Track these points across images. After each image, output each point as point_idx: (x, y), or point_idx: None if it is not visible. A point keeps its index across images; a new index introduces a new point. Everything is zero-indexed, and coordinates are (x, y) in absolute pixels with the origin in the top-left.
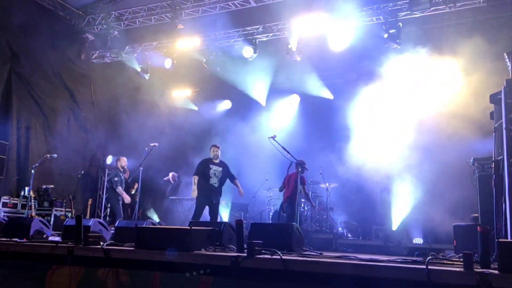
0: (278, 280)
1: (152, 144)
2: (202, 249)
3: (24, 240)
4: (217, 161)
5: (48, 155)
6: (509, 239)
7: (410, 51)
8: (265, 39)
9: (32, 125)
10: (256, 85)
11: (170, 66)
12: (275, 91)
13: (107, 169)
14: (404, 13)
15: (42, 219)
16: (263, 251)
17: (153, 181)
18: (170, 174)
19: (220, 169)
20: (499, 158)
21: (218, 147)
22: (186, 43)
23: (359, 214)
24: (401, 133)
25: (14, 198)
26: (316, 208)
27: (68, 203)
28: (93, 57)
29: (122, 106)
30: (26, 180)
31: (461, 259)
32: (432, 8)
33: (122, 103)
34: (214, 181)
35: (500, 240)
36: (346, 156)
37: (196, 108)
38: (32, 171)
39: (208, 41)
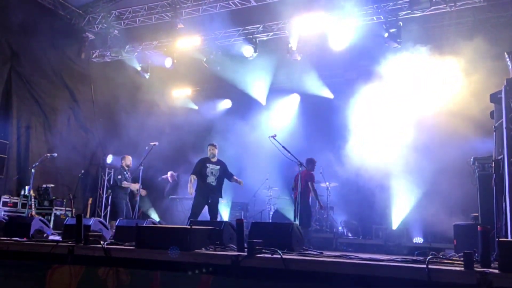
0: (278, 279)
1: (152, 143)
2: (203, 248)
3: (25, 239)
4: (214, 159)
5: (48, 154)
6: (509, 239)
7: (410, 51)
8: (265, 38)
9: (32, 124)
10: (256, 84)
11: (170, 65)
12: (275, 91)
13: (107, 168)
14: (404, 12)
15: (42, 218)
16: (263, 250)
17: (153, 181)
18: (169, 173)
19: (218, 167)
20: (499, 157)
21: (214, 146)
22: (186, 42)
23: (359, 213)
24: (401, 132)
25: (14, 197)
26: (322, 207)
27: (68, 202)
28: (93, 56)
29: (122, 105)
30: (26, 179)
31: (462, 259)
32: (432, 8)
33: (122, 102)
34: (211, 179)
35: (500, 239)
36: (346, 156)
37: (196, 107)
38: (32, 170)
39: (208, 40)
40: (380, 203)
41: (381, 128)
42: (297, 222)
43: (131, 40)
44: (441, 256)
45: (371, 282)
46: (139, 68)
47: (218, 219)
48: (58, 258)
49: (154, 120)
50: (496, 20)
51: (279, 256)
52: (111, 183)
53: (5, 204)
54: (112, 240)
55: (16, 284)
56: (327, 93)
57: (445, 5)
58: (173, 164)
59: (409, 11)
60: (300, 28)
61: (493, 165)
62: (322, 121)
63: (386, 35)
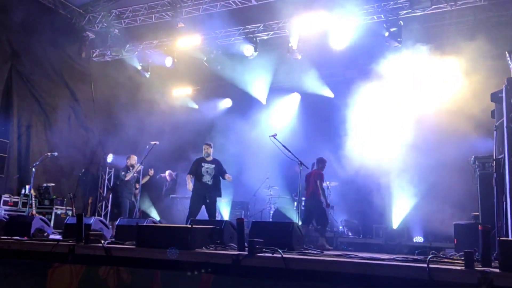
0: (279, 278)
1: (152, 143)
2: (203, 248)
3: (25, 238)
4: (209, 158)
5: (49, 153)
6: (510, 238)
7: (411, 50)
8: (265, 37)
9: (32, 123)
10: (257, 83)
11: (170, 64)
12: (275, 90)
13: (107, 167)
14: (405, 12)
15: (42, 217)
16: (264, 249)
17: (153, 180)
18: (167, 172)
19: (213, 166)
20: (500, 156)
21: (209, 145)
22: (187, 42)
23: (360, 212)
24: (401, 131)
25: (15, 196)
26: (328, 205)
27: (68, 202)
28: (93, 55)
29: (122, 104)
30: (27, 178)
31: (462, 258)
32: (433, 7)
33: (122, 102)
34: (207, 178)
35: (501, 238)
36: (346, 155)
37: (196, 107)
38: (33, 169)
39: (208, 40)
40: (381, 202)
41: (381, 127)
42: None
43: (132, 39)
44: (442, 255)
45: (372, 281)
46: (139, 67)
47: (219, 218)
48: (58, 257)
49: (155, 119)
50: (497, 19)
51: (279, 255)
52: (118, 182)
53: (5, 203)
54: (113, 239)
55: (17, 283)
56: (327, 92)
57: (445, 4)
58: (174, 163)
59: (410, 10)
60: (301, 27)
61: (494, 164)
62: (323, 120)
63: (386, 34)
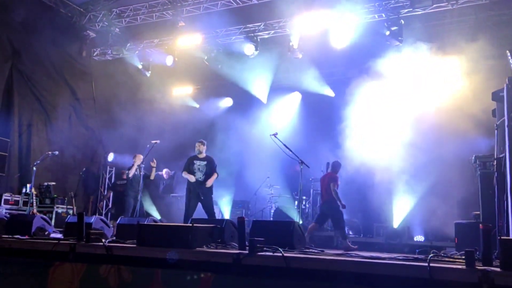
0: (280, 277)
1: (153, 142)
2: (204, 246)
3: (26, 237)
4: (201, 156)
5: (50, 152)
6: (511, 237)
7: (412, 49)
8: (266, 36)
9: (33, 122)
10: (257, 82)
11: (171, 63)
12: (276, 89)
13: (108, 166)
14: (406, 10)
15: (43, 216)
16: (264, 248)
17: (154, 179)
18: (164, 170)
19: (204, 163)
20: (501, 155)
21: (200, 143)
22: (187, 40)
23: (360, 211)
24: (402, 130)
25: (16, 195)
26: (344, 206)
27: (69, 200)
28: (94, 54)
29: (123, 103)
30: (28, 177)
31: (463, 257)
32: (434, 5)
33: (123, 101)
34: (198, 176)
35: (502, 237)
36: (347, 154)
37: (197, 106)
38: (34, 168)
39: (209, 38)
40: (381, 201)
41: (382, 126)
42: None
43: (132, 38)
44: (443, 255)
45: (373, 280)
46: (140, 66)
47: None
48: (59, 256)
49: (155, 118)
50: (498, 18)
51: (280, 254)
52: (118, 182)
53: (6, 202)
54: (114, 238)
55: (18, 282)
56: (328, 91)
57: (446, 3)
58: (174, 162)
59: (411, 9)
60: (301, 26)
61: (495, 163)
62: (323, 119)
63: (387, 33)
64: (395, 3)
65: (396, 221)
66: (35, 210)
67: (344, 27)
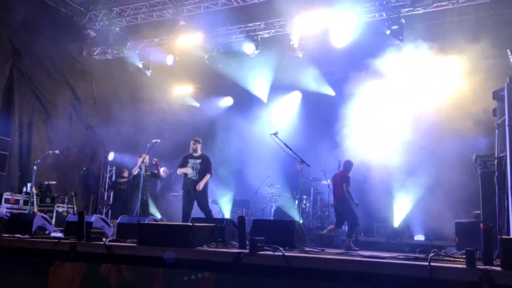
0: (280, 276)
1: (153, 141)
2: (204, 246)
3: (27, 236)
4: (196, 154)
5: (50, 151)
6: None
7: (412, 48)
8: (267, 35)
9: (34, 121)
10: (258, 81)
11: (171, 62)
12: (276, 88)
13: (109, 166)
14: (406, 10)
15: (44, 215)
16: (265, 247)
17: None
18: (162, 169)
19: (198, 161)
20: (501, 154)
21: (194, 141)
22: (188, 40)
23: (361, 211)
24: (402, 130)
25: (16, 194)
26: (357, 205)
27: (70, 199)
28: (94, 53)
29: (123, 102)
30: (28, 176)
31: (464, 256)
32: (434, 5)
33: (123, 100)
34: (192, 174)
35: (503, 237)
36: (347, 153)
37: (197, 105)
38: (34, 167)
39: (209, 38)
40: (382, 200)
41: (382, 125)
42: (300, 220)
43: (133, 37)
44: (443, 254)
45: (373, 279)
46: (140, 66)
47: (220, 216)
48: (60, 255)
49: (156, 118)
50: (499, 17)
51: (280, 254)
52: (118, 181)
53: (7, 201)
54: (114, 237)
55: (19, 281)
56: (328, 91)
57: (447, 2)
58: (174, 161)
59: (411, 8)
60: (302, 25)
61: (495, 162)
62: (324, 118)
63: (388, 32)
64: (396, 2)
65: (397, 221)
66: (35, 209)
67: (344, 26)
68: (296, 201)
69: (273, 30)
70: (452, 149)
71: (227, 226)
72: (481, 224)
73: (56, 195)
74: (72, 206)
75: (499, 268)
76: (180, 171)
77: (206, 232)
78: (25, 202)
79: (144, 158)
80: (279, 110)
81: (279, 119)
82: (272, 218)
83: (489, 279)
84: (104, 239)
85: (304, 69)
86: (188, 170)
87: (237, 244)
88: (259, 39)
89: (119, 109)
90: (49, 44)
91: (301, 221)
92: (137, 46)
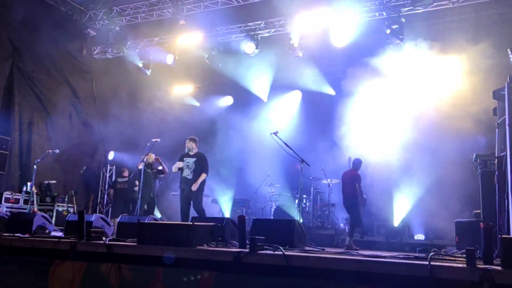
0: (280, 275)
1: (153, 140)
2: (205, 245)
3: (27, 235)
4: (191, 153)
5: (50, 151)
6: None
7: (412, 47)
8: (267, 34)
9: (34, 120)
10: (258, 81)
11: (171, 61)
12: (276, 87)
13: (109, 165)
14: (407, 9)
15: (44, 214)
16: (265, 246)
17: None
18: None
19: (193, 160)
20: (501, 154)
21: (190, 140)
22: (188, 39)
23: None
24: (403, 129)
25: (16, 194)
26: (365, 205)
27: (70, 199)
28: (94, 52)
29: (123, 101)
30: (28, 176)
31: (464, 255)
32: (435, 4)
33: (123, 99)
34: (187, 173)
35: (503, 236)
36: (348, 152)
37: (197, 104)
38: (34, 166)
39: (210, 37)
40: (382, 200)
41: (382, 125)
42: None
43: (133, 36)
44: (443, 253)
45: (373, 278)
46: (140, 65)
47: (220, 215)
48: (60, 254)
49: (156, 117)
50: (499, 16)
51: (281, 253)
52: (126, 179)
53: (7, 200)
54: (114, 237)
55: (19, 280)
56: (328, 90)
57: (447, 1)
58: (174, 160)
59: (412, 7)
60: (302, 25)
61: (496, 162)
62: (324, 117)
63: (388, 31)
64: (396, 1)
65: (397, 220)
66: (35, 209)
67: (344, 26)
68: (296, 201)
69: (273, 29)
70: (452, 148)
71: (227, 225)
72: (481, 223)
73: (56, 194)
74: (72, 205)
75: (499, 268)
76: (173, 167)
77: (206, 232)
78: (25, 201)
79: (147, 156)
80: (279, 109)
81: (279, 119)
82: (272, 217)
83: (489, 278)
84: (104, 238)
85: (304, 69)
86: (179, 164)
87: (237, 244)
88: (259, 38)
89: (119, 108)
90: (49, 43)
91: (301, 221)
92: (137, 45)
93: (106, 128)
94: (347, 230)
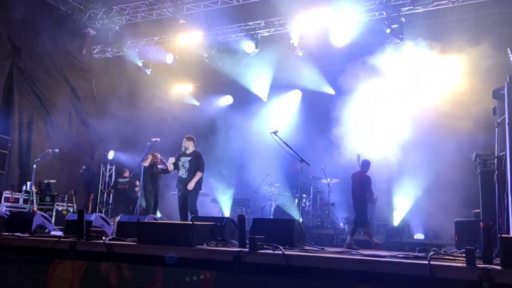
0: (280, 275)
1: (153, 140)
2: (204, 244)
3: (26, 235)
4: (188, 152)
5: (50, 150)
6: (511, 235)
7: (412, 47)
8: (267, 34)
9: (33, 120)
10: (258, 80)
11: (171, 61)
12: (276, 87)
13: (108, 164)
14: (407, 8)
15: (44, 213)
16: (265, 246)
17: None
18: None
19: (188, 159)
20: (501, 153)
21: (186, 139)
22: (188, 38)
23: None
24: (403, 128)
25: (16, 193)
26: (374, 204)
27: (70, 198)
28: (94, 52)
29: (123, 101)
30: (28, 175)
31: (463, 255)
32: (434, 3)
33: (123, 98)
34: (182, 172)
35: (502, 235)
36: (347, 152)
37: (197, 103)
38: (34, 166)
39: (209, 36)
40: (381, 199)
41: (382, 124)
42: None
43: (132, 35)
44: (443, 253)
45: (373, 278)
46: (140, 64)
47: (220, 215)
48: (60, 253)
49: (155, 116)
50: (499, 16)
51: (280, 252)
52: (128, 179)
53: (6, 199)
54: (114, 236)
55: (19, 280)
56: (328, 89)
57: (447, 1)
58: None
59: (412, 7)
60: (302, 24)
61: (495, 161)
62: (324, 117)
63: (388, 31)
64: (396, 0)
65: (396, 219)
66: (35, 208)
67: (344, 25)
68: (296, 200)
69: (273, 29)
70: (452, 148)
71: (227, 225)
72: (481, 223)
73: (55, 193)
74: (71, 204)
75: (499, 267)
76: (168, 165)
77: (206, 231)
78: (25, 201)
79: (153, 155)
80: (279, 108)
81: (279, 118)
82: (272, 217)
83: (489, 277)
84: (104, 238)
85: (304, 68)
86: (172, 160)
87: (237, 243)
88: (259, 37)
89: (118, 108)
90: (49, 42)
91: (301, 220)
92: (137, 44)
93: (105, 127)
94: (347, 230)
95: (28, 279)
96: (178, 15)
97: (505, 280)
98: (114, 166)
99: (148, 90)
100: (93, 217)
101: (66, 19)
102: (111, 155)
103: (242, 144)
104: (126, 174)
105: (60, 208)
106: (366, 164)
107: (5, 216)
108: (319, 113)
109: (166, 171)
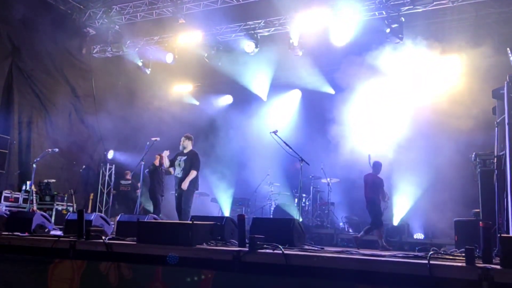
0: (279, 274)
1: (153, 139)
2: (204, 244)
3: (26, 234)
4: (185, 151)
5: (50, 150)
6: (511, 234)
7: (412, 46)
8: (266, 33)
9: (33, 119)
10: (258, 80)
11: (171, 60)
12: (276, 86)
13: (108, 164)
14: (406, 8)
15: (43, 213)
16: (264, 245)
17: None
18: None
19: (184, 158)
20: (501, 153)
21: (185, 138)
22: (188, 38)
23: (360, 209)
24: (403, 127)
25: (16, 192)
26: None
27: (69, 198)
28: (94, 51)
29: (123, 100)
30: (28, 174)
31: (463, 254)
32: (434, 3)
33: (123, 98)
34: (177, 171)
35: (502, 235)
36: (347, 151)
37: (197, 103)
38: (34, 165)
39: (209, 36)
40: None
41: (382, 124)
42: (300, 218)
43: (132, 35)
44: (443, 252)
45: (373, 277)
46: (140, 64)
47: (219, 214)
48: (59, 253)
49: (155, 116)
50: (499, 16)
51: (280, 252)
52: (130, 182)
53: (6, 199)
54: (114, 235)
55: (19, 279)
56: (328, 89)
57: (447, 1)
58: None
59: (411, 7)
60: (302, 24)
61: (495, 161)
62: (323, 116)
63: (388, 30)
64: (396, 0)
65: (396, 219)
66: (35, 207)
67: (344, 25)
68: (296, 199)
69: (273, 28)
70: (452, 147)
71: (226, 224)
72: (480, 222)
73: (55, 193)
74: (71, 204)
75: (498, 266)
76: (164, 163)
77: (206, 231)
78: (25, 200)
79: (160, 155)
80: (279, 108)
81: (278, 118)
82: (271, 216)
83: (489, 277)
84: (103, 237)
85: (303, 68)
86: (166, 153)
87: (236, 243)
88: (259, 37)
89: (118, 107)
90: (49, 42)
91: (300, 220)
92: (137, 44)
93: (105, 126)
94: (346, 229)
95: (28, 278)
96: (177, 15)
97: (505, 279)
98: (114, 165)
99: (148, 90)
100: (92, 216)
101: (66, 19)
102: (110, 154)
103: (242, 144)
104: (129, 176)
105: (59, 208)
106: (378, 166)
107: (5, 215)
108: (319, 113)
109: (168, 171)
